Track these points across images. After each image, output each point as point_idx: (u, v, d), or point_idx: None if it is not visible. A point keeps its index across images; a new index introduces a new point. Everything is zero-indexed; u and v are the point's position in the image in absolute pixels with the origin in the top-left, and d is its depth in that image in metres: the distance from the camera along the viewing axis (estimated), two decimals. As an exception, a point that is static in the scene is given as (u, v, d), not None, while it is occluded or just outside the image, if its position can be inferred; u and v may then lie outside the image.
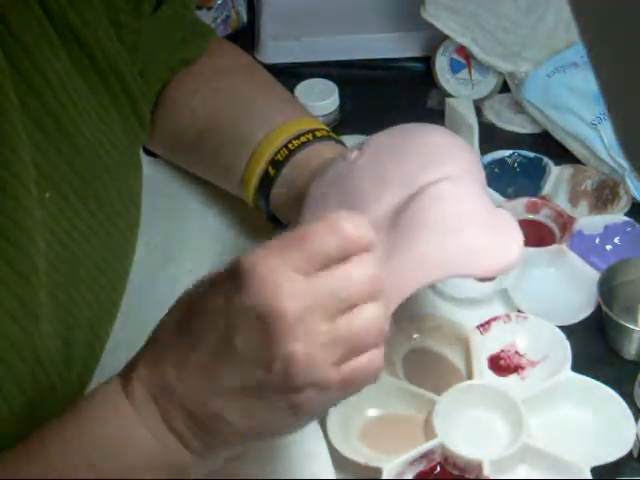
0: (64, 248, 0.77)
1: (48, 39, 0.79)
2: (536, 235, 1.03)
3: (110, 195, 0.84)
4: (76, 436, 0.64)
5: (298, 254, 0.59)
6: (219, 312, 0.60)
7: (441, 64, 1.24)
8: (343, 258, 0.60)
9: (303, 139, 0.89)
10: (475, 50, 1.20)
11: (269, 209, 0.91)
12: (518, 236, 0.74)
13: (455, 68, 1.24)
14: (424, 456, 0.85)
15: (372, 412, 0.89)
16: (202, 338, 0.61)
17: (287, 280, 0.58)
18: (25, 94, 0.76)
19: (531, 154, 1.11)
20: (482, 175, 0.80)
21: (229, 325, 0.60)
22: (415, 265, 0.72)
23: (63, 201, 0.78)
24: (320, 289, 0.59)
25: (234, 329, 0.59)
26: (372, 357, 0.61)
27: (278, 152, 0.89)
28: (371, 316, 0.60)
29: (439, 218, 0.73)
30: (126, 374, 0.64)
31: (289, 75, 1.21)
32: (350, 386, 0.61)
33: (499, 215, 0.76)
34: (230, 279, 0.59)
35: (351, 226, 0.60)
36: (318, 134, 0.90)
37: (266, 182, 0.90)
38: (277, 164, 0.89)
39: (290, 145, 0.89)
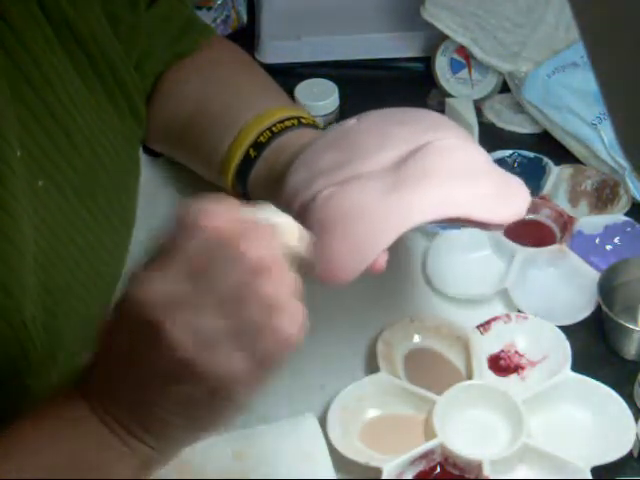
0: (55, 237, 0.78)
1: (43, 32, 0.79)
2: (536, 235, 1.03)
3: (105, 190, 0.84)
4: (44, 436, 0.66)
5: (167, 265, 0.60)
6: (129, 332, 0.62)
7: (441, 64, 1.24)
8: (212, 248, 0.60)
9: (288, 123, 0.88)
10: (475, 50, 1.20)
11: (247, 194, 0.90)
12: (524, 188, 0.77)
13: (455, 68, 1.24)
14: (424, 456, 0.85)
15: (372, 412, 0.89)
16: (126, 353, 0.63)
17: (161, 297, 0.60)
18: (20, 85, 0.76)
19: (531, 154, 1.11)
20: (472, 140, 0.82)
21: (139, 343, 0.62)
22: (420, 199, 0.73)
23: (56, 191, 0.79)
24: (196, 290, 0.60)
25: (143, 346, 0.61)
26: (279, 333, 0.60)
27: (261, 134, 0.88)
28: (259, 297, 0.60)
29: (451, 165, 0.74)
30: (81, 386, 0.66)
31: (289, 75, 1.21)
32: (267, 366, 0.62)
33: (503, 171, 0.78)
34: (124, 307, 0.62)
35: (208, 218, 0.60)
36: (304, 121, 0.89)
37: (246, 165, 0.89)
38: (259, 146, 0.88)
39: (274, 128, 0.88)
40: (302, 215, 0.74)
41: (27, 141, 0.76)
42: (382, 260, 0.74)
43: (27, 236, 0.75)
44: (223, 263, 0.60)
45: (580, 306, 0.98)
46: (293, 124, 0.88)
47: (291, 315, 0.61)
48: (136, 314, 0.61)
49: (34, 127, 0.77)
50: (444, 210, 0.74)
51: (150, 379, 0.62)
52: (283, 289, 0.61)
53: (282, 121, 0.88)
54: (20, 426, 0.66)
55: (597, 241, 1.03)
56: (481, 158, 0.77)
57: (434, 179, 0.74)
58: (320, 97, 1.18)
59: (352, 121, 0.81)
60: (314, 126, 0.90)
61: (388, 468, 0.83)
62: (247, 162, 0.88)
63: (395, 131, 0.78)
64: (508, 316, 0.95)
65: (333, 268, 0.74)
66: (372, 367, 0.92)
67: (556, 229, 1.05)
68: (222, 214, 0.61)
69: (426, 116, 0.81)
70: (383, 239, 0.72)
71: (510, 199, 0.76)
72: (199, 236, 0.60)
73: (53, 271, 0.78)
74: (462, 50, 1.22)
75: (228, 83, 0.95)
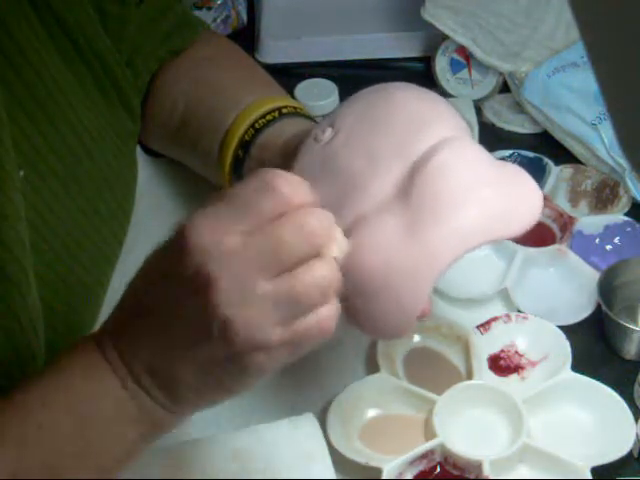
0: (37, 226, 0.78)
1: (29, 21, 0.79)
2: (536, 235, 1.03)
3: (94, 181, 0.84)
4: (58, 390, 0.65)
5: (231, 215, 0.59)
6: (167, 279, 0.61)
7: (441, 64, 1.24)
8: (279, 216, 0.59)
9: (269, 117, 0.87)
10: (475, 50, 1.20)
11: None
12: (534, 185, 0.73)
13: (455, 68, 1.24)
14: (424, 456, 0.85)
15: (372, 412, 0.89)
16: (156, 304, 0.62)
17: (218, 244, 0.58)
18: (5, 72, 0.76)
19: (531, 154, 1.11)
20: (465, 124, 0.78)
21: (175, 292, 0.60)
22: (445, 240, 0.70)
23: (39, 181, 0.78)
24: (255, 249, 0.58)
25: (179, 296, 0.60)
26: (320, 316, 0.60)
27: (246, 132, 0.87)
28: (314, 273, 0.59)
29: (454, 189, 0.70)
30: (98, 335, 0.65)
31: (289, 75, 1.21)
32: (298, 346, 0.61)
33: (507, 169, 0.74)
34: (172, 247, 0.60)
35: (285, 183, 0.59)
36: (284, 111, 0.88)
37: (238, 165, 0.88)
38: (245, 145, 0.87)
39: (257, 124, 0.87)
40: None
41: (14, 132, 0.75)
42: (427, 306, 0.73)
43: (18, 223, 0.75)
44: (291, 230, 0.59)
45: (580, 306, 0.98)
46: (274, 117, 0.87)
47: (333, 306, 0.60)
48: (183, 254, 0.58)
49: (18, 114, 0.77)
50: (467, 244, 0.71)
51: (178, 332, 0.61)
52: (335, 280, 0.60)
53: (264, 115, 0.87)
54: (33, 380, 0.65)
55: (597, 241, 1.03)
56: (481, 162, 0.73)
57: (446, 211, 0.70)
58: (320, 97, 1.18)
59: (327, 132, 0.77)
60: (295, 113, 0.89)
61: (388, 468, 0.83)
62: (238, 162, 0.88)
63: (382, 145, 0.73)
64: (508, 316, 0.95)
65: (384, 330, 0.73)
66: (372, 367, 0.92)
67: (556, 229, 1.05)
68: (299, 188, 0.60)
69: (408, 109, 0.75)
70: (422, 292, 0.70)
71: (525, 205, 0.72)
72: (270, 197, 0.59)
73: (36, 261, 0.77)
74: (462, 50, 1.22)
75: (214, 82, 0.95)
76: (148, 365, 0.63)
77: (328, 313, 0.60)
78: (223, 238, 0.58)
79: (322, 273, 0.59)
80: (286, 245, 0.58)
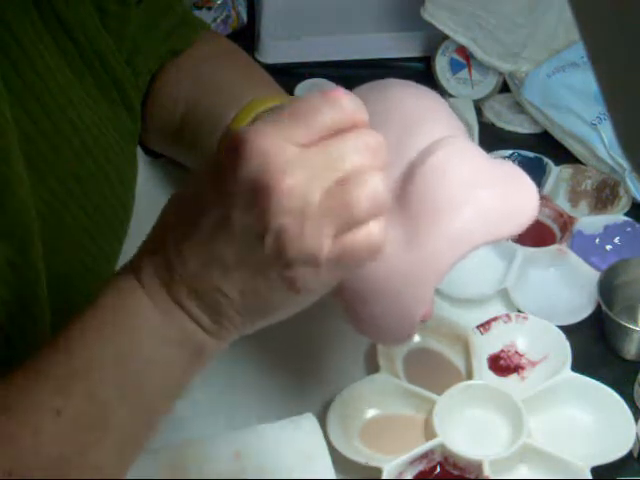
0: (48, 226, 0.78)
1: (31, 20, 0.80)
2: (536, 235, 1.03)
3: (95, 180, 0.84)
4: (97, 322, 0.64)
5: (293, 125, 0.58)
6: (217, 186, 0.60)
7: (441, 64, 1.24)
8: (340, 131, 0.59)
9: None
10: (475, 50, 1.20)
11: None
12: (530, 183, 0.73)
13: (455, 68, 1.24)
14: (424, 456, 0.85)
15: (372, 412, 0.89)
16: (201, 213, 0.60)
17: (280, 150, 0.57)
18: (8, 71, 0.76)
19: (531, 154, 1.11)
20: (460, 123, 0.77)
21: (226, 198, 0.59)
22: (444, 243, 0.70)
23: (41, 180, 0.78)
24: (314, 159, 0.58)
25: (230, 201, 0.59)
26: (371, 231, 0.59)
27: None
28: (368, 187, 0.58)
29: (451, 191, 0.70)
30: (134, 261, 0.64)
31: (289, 75, 1.22)
32: (346, 261, 0.59)
33: (503, 167, 0.74)
34: (227, 151, 0.59)
35: (348, 99, 0.59)
36: None
37: None
38: None
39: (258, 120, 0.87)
40: None
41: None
42: (429, 309, 0.73)
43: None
44: (351, 144, 0.58)
45: (580, 306, 0.98)
46: None
47: (382, 223, 0.59)
48: (242, 159, 0.57)
49: (19, 113, 0.77)
50: (466, 246, 0.71)
51: (227, 245, 0.59)
52: (386, 196, 0.59)
53: (265, 112, 0.87)
54: (73, 322, 0.64)
55: (597, 241, 1.03)
56: (476, 162, 0.73)
57: (444, 214, 0.70)
58: (320, 97, 1.18)
59: None
60: None
61: (388, 468, 0.83)
62: None
63: None
64: (508, 316, 0.95)
65: (387, 336, 0.73)
66: (372, 367, 0.92)
67: (556, 229, 1.05)
68: (361, 110, 0.59)
69: (404, 107, 0.75)
70: (424, 297, 0.70)
71: (522, 204, 0.72)
72: (334, 112, 0.58)
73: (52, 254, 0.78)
74: (462, 50, 1.22)
75: (215, 82, 0.95)
76: (190, 284, 0.61)
77: (377, 229, 0.59)
78: (285, 145, 0.57)
79: (376, 187, 0.58)
80: (347, 159, 0.58)
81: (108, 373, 0.63)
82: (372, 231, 0.59)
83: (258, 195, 0.57)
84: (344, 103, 0.59)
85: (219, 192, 0.59)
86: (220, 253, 0.60)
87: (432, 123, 0.74)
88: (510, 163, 0.75)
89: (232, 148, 0.58)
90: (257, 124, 0.58)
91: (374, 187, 0.58)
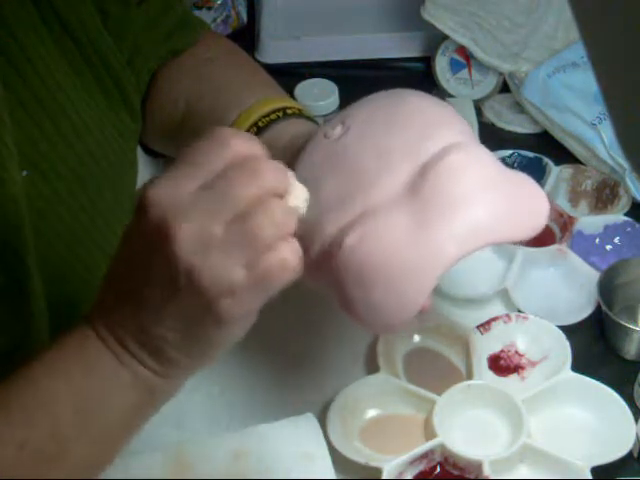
0: (41, 226, 0.78)
1: (32, 20, 0.80)
2: (536, 235, 1.03)
3: (96, 180, 0.84)
4: (61, 360, 0.67)
5: (186, 172, 0.62)
6: (134, 244, 0.64)
7: (441, 64, 1.24)
8: (233, 167, 0.62)
9: (273, 116, 0.87)
10: (475, 50, 1.20)
11: None
12: (541, 192, 0.75)
13: (455, 68, 1.24)
14: (424, 456, 0.85)
15: (372, 412, 0.89)
16: (130, 271, 0.64)
17: (172, 200, 0.61)
18: (6, 71, 0.77)
19: (531, 154, 1.11)
20: (472, 132, 0.78)
21: (142, 255, 0.63)
22: (452, 237, 0.70)
23: (42, 180, 0.79)
24: (210, 199, 0.61)
25: (145, 257, 0.62)
26: (281, 254, 0.61)
27: (248, 131, 0.87)
28: (267, 213, 0.61)
29: (464, 189, 0.71)
30: (91, 310, 0.68)
31: (289, 75, 1.21)
32: (265, 285, 0.62)
33: (516, 175, 0.75)
34: (137, 212, 0.63)
35: (235, 137, 0.62)
36: (289, 112, 0.88)
37: None
38: None
39: (260, 123, 0.87)
40: (325, 262, 0.72)
41: (16, 133, 0.76)
42: (427, 302, 0.73)
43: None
44: (240, 177, 0.61)
45: (580, 306, 0.98)
46: (278, 116, 0.87)
47: (294, 245, 0.62)
48: (144, 216, 0.61)
49: (20, 114, 0.77)
50: (474, 242, 0.71)
51: (151, 293, 0.63)
52: (292, 220, 0.62)
53: (267, 114, 0.88)
54: (33, 359, 0.67)
55: (597, 241, 1.03)
56: (491, 167, 0.74)
57: (455, 209, 0.70)
58: (320, 97, 1.18)
59: (338, 129, 0.77)
60: (300, 115, 0.89)
61: (388, 468, 0.83)
62: None
63: (391, 143, 0.74)
64: (508, 316, 0.95)
65: (382, 321, 0.73)
66: (372, 367, 0.92)
67: (556, 229, 1.05)
68: (251, 142, 0.63)
69: (420, 113, 0.76)
70: (425, 287, 0.70)
71: (532, 210, 0.73)
72: (223, 152, 0.62)
73: (37, 259, 0.78)
74: (462, 50, 1.22)
75: (215, 82, 0.95)
76: (134, 334, 0.65)
77: (289, 250, 0.62)
78: (178, 192, 0.61)
79: (273, 212, 0.61)
80: (238, 191, 0.61)
81: (68, 408, 0.66)
82: (283, 254, 0.61)
83: (162, 243, 0.61)
84: (232, 142, 0.62)
85: (136, 248, 0.64)
86: (147, 299, 0.64)
87: (447, 129, 0.75)
88: (521, 172, 0.76)
89: (137, 205, 0.62)
90: (155, 179, 0.62)
91: (272, 212, 0.61)
